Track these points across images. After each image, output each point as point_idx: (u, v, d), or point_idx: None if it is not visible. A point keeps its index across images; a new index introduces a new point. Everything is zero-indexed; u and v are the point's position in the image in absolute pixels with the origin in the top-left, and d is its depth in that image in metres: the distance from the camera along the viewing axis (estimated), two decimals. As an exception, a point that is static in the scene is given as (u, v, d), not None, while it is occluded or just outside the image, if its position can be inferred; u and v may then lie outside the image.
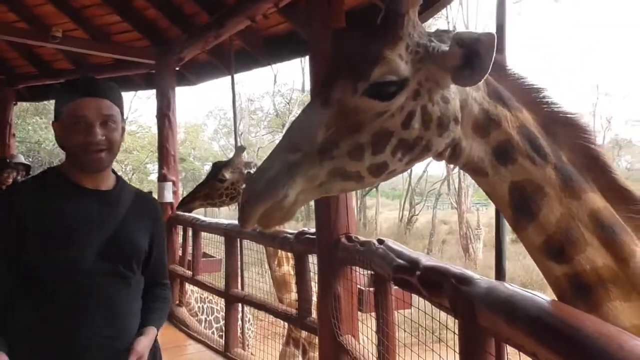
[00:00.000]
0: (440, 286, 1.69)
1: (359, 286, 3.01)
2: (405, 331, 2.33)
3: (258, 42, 4.60)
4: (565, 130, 1.24)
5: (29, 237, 1.37)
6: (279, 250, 3.67)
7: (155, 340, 1.57)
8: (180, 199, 5.15)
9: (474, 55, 1.08)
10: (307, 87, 27.06)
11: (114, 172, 1.57)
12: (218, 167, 3.99)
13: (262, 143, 26.32)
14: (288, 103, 27.39)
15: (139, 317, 1.53)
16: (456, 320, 1.62)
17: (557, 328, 1.15)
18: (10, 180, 5.32)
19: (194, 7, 4.62)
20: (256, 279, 5.06)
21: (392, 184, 32.14)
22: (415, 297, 2.11)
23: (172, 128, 5.45)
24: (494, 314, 1.41)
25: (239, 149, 4.02)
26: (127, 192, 1.56)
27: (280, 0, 3.46)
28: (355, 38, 1.17)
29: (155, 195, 4.91)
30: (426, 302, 1.91)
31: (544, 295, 1.33)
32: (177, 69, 5.46)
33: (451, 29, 1.24)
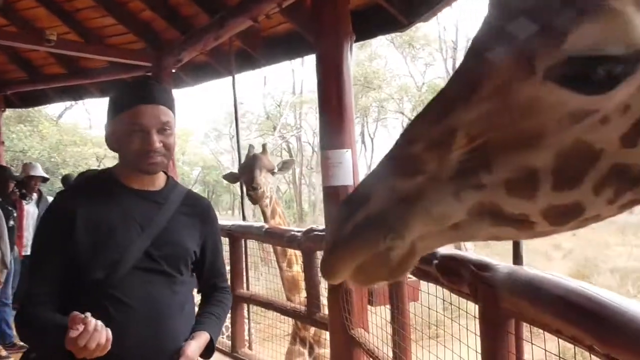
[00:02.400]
0: (459, 273, 1.74)
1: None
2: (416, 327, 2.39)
3: (258, 43, 4.63)
4: None
5: (78, 236, 1.41)
6: (289, 250, 3.69)
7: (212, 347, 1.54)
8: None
9: None
10: (298, 89, 27.20)
11: (164, 172, 1.59)
12: (263, 159, 3.82)
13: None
14: (279, 105, 27.42)
15: (189, 319, 1.54)
16: (476, 305, 1.68)
17: (583, 306, 1.21)
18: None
19: (193, 8, 4.63)
20: (256, 277, 5.06)
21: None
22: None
23: (170, 131, 5.45)
24: (517, 297, 1.47)
25: (266, 146, 3.99)
26: (176, 193, 1.57)
27: (284, 0, 3.49)
28: None
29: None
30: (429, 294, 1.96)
31: (565, 276, 1.39)
32: (174, 70, 5.47)
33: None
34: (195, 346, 1.46)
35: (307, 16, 3.91)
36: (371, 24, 3.72)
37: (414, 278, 2.37)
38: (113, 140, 1.50)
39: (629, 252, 14.57)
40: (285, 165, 3.98)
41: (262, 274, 5.29)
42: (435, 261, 1.88)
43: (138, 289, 1.43)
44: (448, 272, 1.81)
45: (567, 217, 0.63)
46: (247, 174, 3.76)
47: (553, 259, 16.21)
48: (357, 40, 3.42)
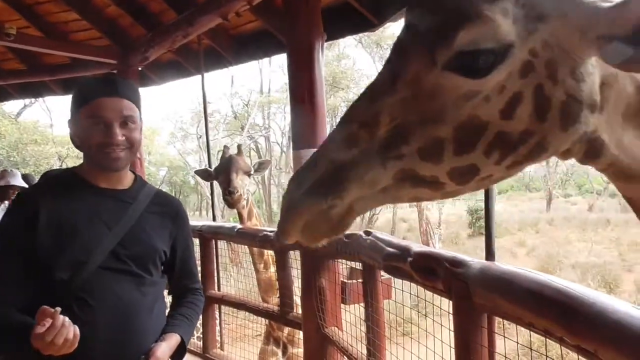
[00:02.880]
0: (434, 270, 1.77)
1: (342, 279, 3.08)
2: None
3: (227, 41, 4.59)
4: None
5: (41, 236, 1.37)
6: (265, 252, 3.65)
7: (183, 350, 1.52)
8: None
9: None
10: (266, 89, 27.08)
11: (132, 171, 1.56)
12: (239, 161, 3.70)
13: (220, 146, 26.00)
14: (246, 105, 27.21)
15: (159, 320, 1.51)
16: (450, 301, 1.71)
17: (554, 298, 1.25)
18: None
19: (160, 4, 4.54)
20: (226, 278, 5.00)
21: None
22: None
23: (137, 130, 5.33)
24: (490, 292, 1.50)
25: (241, 146, 3.91)
26: (145, 192, 1.54)
27: (254, -2, 3.46)
28: None
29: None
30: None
31: (536, 271, 1.43)
32: (140, 68, 5.35)
33: None
34: (165, 347, 1.44)
35: (277, 15, 3.89)
36: (341, 24, 3.74)
37: (387, 275, 2.40)
38: (76, 137, 1.46)
39: (589, 248, 15.17)
40: (261, 166, 3.93)
41: (232, 275, 5.23)
42: (410, 259, 1.90)
43: (105, 290, 1.39)
44: (422, 269, 1.84)
45: (467, 176, 0.79)
46: (223, 176, 3.69)
47: (518, 255, 16.71)
48: (327, 40, 3.43)
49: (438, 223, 18.95)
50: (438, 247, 18.25)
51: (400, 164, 0.77)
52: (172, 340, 1.48)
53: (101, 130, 1.40)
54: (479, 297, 1.53)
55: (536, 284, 1.35)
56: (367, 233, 2.43)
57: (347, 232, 2.76)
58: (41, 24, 5.08)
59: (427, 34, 0.76)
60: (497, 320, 1.64)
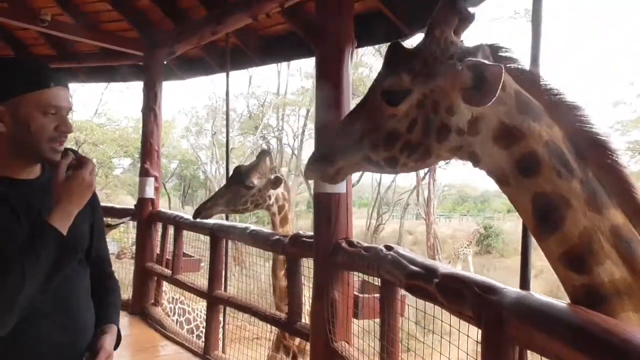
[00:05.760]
0: (462, 294, 1.69)
1: (355, 292, 3.01)
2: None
3: (254, 41, 4.55)
4: (594, 148, 1.29)
5: None
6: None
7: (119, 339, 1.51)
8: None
9: (483, 81, 1.21)
10: (282, 90, 27.08)
11: None
12: (243, 172, 3.64)
13: (233, 144, 26.06)
14: (262, 105, 27.23)
15: (91, 307, 1.47)
16: (479, 330, 1.63)
17: (603, 338, 1.17)
18: None
19: (192, 0, 4.53)
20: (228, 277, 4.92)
21: (360, 192, 32.37)
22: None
23: (157, 123, 5.32)
24: (526, 323, 1.42)
25: (264, 153, 3.69)
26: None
27: (287, 0, 3.42)
28: (394, 52, 1.42)
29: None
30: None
31: (580, 307, 1.35)
32: (165, 62, 5.34)
33: (484, 43, 1.34)
34: (110, 340, 1.43)
35: (306, 18, 3.85)
36: (373, 31, 3.68)
37: (406, 293, 2.32)
38: (9, 125, 1.31)
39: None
40: (277, 181, 3.67)
41: (234, 274, 5.17)
42: (436, 280, 1.83)
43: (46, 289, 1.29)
44: (449, 292, 1.76)
45: (392, 162, 1.38)
46: (245, 174, 3.64)
47: (524, 277, 16.50)
48: (358, 47, 3.37)
49: (469, 241, 18.62)
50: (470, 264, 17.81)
51: (363, 152, 1.39)
52: (113, 332, 1.47)
53: (54, 120, 1.33)
54: (513, 328, 1.45)
55: (579, 320, 1.27)
56: (388, 248, 2.36)
57: (365, 244, 2.68)
58: (74, 12, 5.14)
59: (382, 80, 1.39)
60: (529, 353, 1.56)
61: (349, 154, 1.40)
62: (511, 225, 28.01)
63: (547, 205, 1.28)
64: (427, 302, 2.01)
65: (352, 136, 1.38)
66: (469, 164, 1.40)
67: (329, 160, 1.42)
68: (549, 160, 1.28)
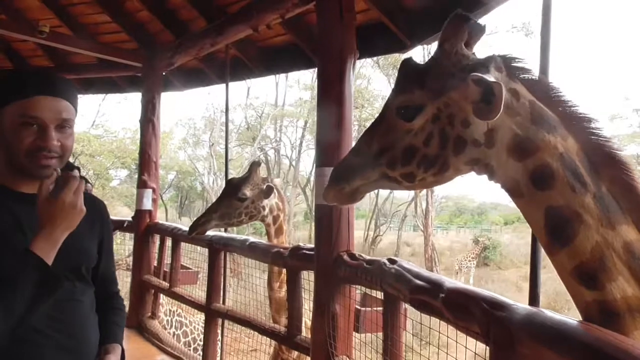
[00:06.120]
0: (469, 310, 1.66)
1: (356, 306, 2.96)
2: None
3: (254, 53, 4.54)
4: (609, 163, 1.27)
5: None
6: (283, 271, 3.53)
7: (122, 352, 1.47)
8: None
9: (491, 95, 1.21)
10: (280, 102, 27.14)
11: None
12: (235, 184, 3.63)
13: (231, 155, 26.06)
14: (260, 117, 27.27)
15: (96, 328, 1.42)
16: (487, 347, 1.59)
17: (618, 358, 1.14)
18: None
19: (191, 12, 4.51)
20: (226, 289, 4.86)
21: (357, 204, 32.30)
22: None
23: (155, 134, 5.29)
24: (537, 342, 1.38)
25: (255, 165, 3.69)
26: None
27: (287, 11, 3.41)
28: (406, 68, 1.42)
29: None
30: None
31: (595, 325, 1.32)
32: (164, 73, 5.32)
33: (496, 54, 1.34)
34: None
35: (308, 30, 3.85)
36: (374, 42, 3.67)
37: (409, 307, 2.28)
38: None
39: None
40: (269, 190, 3.63)
41: (231, 285, 5.09)
42: (442, 295, 1.79)
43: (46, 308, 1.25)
44: (456, 308, 1.72)
45: (410, 178, 1.37)
46: (236, 186, 3.60)
47: (523, 290, 16.39)
48: (359, 58, 3.36)
49: (475, 254, 18.51)
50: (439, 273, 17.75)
51: (380, 169, 1.39)
52: (117, 352, 1.42)
53: (33, 132, 1.24)
54: (523, 346, 1.41)
55: (592, 338, 1.23)
56: (392, 261, 2.32)
57: (368, 257, 2.64)
58: (73, 24, 5.14)
59: (395, 96, 1.40)
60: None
61: (366, 173, 1.40)
62: (508, 237, 28.01)
63: (560, 219, 1.25)
64: (425, 314, 1.98)
65: (369, 155, 1.38)
66: (471, 175, 1.40)
67: (345, 180, 1.42)
68: (563, 173, 1.26)
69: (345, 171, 1.42)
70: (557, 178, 1.26)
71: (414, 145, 1.33)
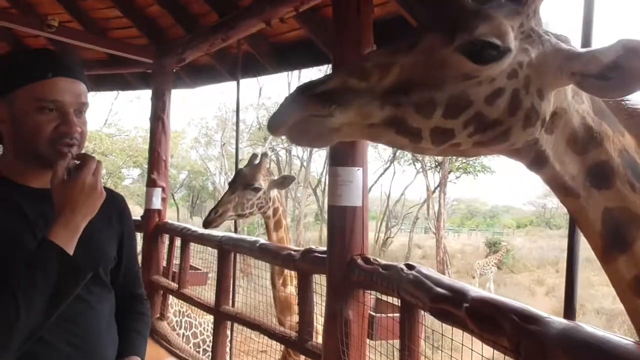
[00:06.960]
0: (496, 322, 1.52)
1: (370, 312, 2.84)
2: None
3: (266, 48, 4.43)
4: None
5: None
6: (285, 269, 3.44)
7: None
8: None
9: (623, 67, 0.94)
10: (292, 101, 26.95)
11: None
12: (248, 175, 3.55)
13: (242, 155, 26.03)
14: (271, 116, 27.20)
15: (115, 339, 1.29)
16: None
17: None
18: None
19: (203, 6, 4.42)
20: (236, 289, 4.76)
21: (368, 205, 32.20)
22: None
23: (165, 132, 5.21)
24: (574, 358, 1.25)
25: (265, 155, 3.71)
26: None
27: (302, 4, 3.29)
28: None
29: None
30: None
31: (630, 338, 1.19)
32: (175, 70, 5.24)
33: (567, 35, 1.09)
34: None
35: (323, 24, 3.72)
36: (392, 37, 3.54)
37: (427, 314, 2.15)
38: (5, 123, 1.17)
39: (614, 294, 14.52)
40: (285, 181, 3.73)
41: (242, 286, 5.00)
42: (466, 304, 1.65)
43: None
44: (481, 319, 1.59)
45: (442, 137, 0.98)
46: (250, 176, 3.58)
47: (536, 294, 16.13)
48: (376, 53, 3.24)
49: (498, 260, 18.21)
50: (492, 286, 17.32)
51: (395, 110, 0.95)
52: None
53: (54, 118, 1.14)
54: (559, 363, 1.27)
55: (634, 355, 1.10)
56: (410, 267, 2.19)
57: (384, 262, 2.51)
58: (83, 19, 5.09)
59: (448, 23, 0.97)
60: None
61: (368, 107, 0.94)
62: (521, 241, 27.65)
63: (618, 223, 1.10)
64: (446, 324, 1.85)
65: (380, 85, 0.95)
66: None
67: (336, 103, 0.92)
68: (624, 171, 1.10)
69: (339, 92, 0.93)
70: (617, 176, 1.11)
71: (468, 96, 0.96)
